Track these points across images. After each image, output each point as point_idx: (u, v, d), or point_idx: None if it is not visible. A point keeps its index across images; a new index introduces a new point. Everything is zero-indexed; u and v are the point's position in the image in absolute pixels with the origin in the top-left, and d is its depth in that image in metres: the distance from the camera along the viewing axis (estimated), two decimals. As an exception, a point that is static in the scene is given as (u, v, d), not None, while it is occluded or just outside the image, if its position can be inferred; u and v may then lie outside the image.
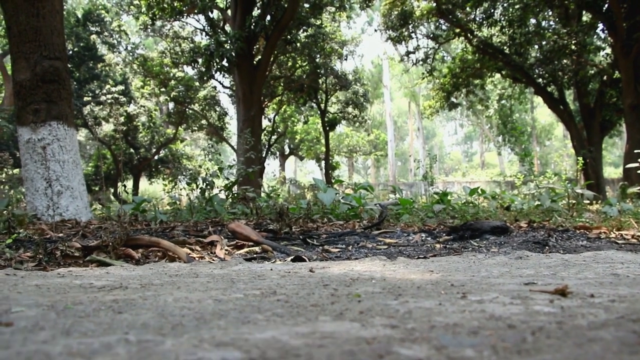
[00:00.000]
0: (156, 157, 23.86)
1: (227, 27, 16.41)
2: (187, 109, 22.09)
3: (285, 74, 18.88)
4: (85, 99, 20.87)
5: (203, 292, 0.90)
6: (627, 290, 0.85)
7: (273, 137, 22.85)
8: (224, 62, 13.66)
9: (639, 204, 6.09)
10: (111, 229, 2.74)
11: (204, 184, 5.65)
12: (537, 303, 0.74)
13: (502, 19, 15.73)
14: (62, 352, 0.49)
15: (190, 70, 21.50)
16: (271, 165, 32.26)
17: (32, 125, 4.50)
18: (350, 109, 21.65)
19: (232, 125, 25.21)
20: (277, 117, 23.01)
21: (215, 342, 0.53)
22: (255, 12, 14.26)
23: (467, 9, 16.07)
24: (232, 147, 21.80)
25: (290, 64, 18.53)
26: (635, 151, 11.18)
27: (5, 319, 0.66)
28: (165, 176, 22.35)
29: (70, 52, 20.98)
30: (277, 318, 0.65)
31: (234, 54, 13.18)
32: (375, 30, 18.46)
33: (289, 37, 15.34)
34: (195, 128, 23.98)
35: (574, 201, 5.41)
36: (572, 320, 0.62)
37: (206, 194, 5.61)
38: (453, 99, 19.27)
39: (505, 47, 16.15)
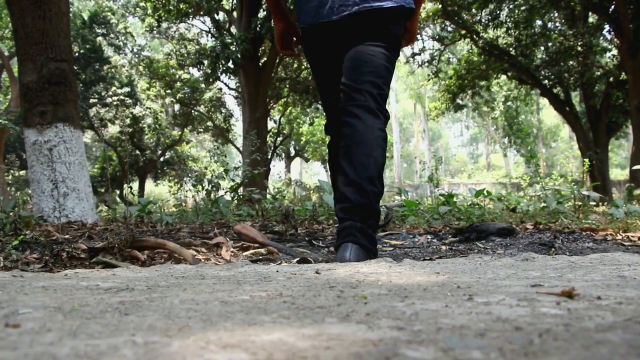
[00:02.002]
0: (162, 159, 23.93)
1: (233, 29, 16.42)
2: (192, 111, 22.14)
3: (290, 75, 18.88)
4: (92, 100, 20.96)
5: (209, 293, 0.90)
6: (634, 292, 0.85)
7: (279, 138, 22.87)
8: (230, 64, 13.66)
9: (645, 206, 6.05)
10: (117, 231, 2.74)
11: (210, 185, 5.65)
12: (544, 305, 0.73)
13: (508, 20, 15.68)
14: (69, 354, 0.50)
15: (196, 72, 21.54)
16: (277, 167, 32.30)
17: (39, 127, 4.51)
18: (355, 111, 21.58)
19: (237, 127, 25.25)
20: (282, 118, 23.02)
21: (222, 343, 0.53)
22: (261, 13, 14.26)
23: (473, 10, 16.04)
24: (238, 148, 21.82)
25: (295, 65, 18.53)
26: (642, 153, 11.13)
27: (12, 321, 0.66)
28: (171, 178, 22.39)
29: (77, 54, 21.06)
30: (284, 320, 0.65)
31: (239, 56, 13.19)
32: (381, 32, 18.42)
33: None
34: (201, 130, 24.03)
35: (580, 203, 5.39)
36: (579, 322, 0.62)
37: (212, 195, 5.61)
38: (459, 101, 19.24)
39: (511, 49, 16.11)
